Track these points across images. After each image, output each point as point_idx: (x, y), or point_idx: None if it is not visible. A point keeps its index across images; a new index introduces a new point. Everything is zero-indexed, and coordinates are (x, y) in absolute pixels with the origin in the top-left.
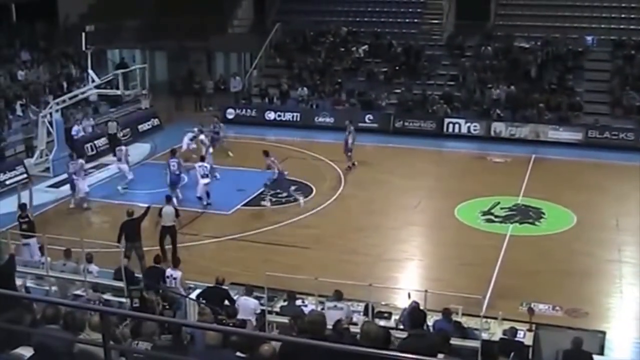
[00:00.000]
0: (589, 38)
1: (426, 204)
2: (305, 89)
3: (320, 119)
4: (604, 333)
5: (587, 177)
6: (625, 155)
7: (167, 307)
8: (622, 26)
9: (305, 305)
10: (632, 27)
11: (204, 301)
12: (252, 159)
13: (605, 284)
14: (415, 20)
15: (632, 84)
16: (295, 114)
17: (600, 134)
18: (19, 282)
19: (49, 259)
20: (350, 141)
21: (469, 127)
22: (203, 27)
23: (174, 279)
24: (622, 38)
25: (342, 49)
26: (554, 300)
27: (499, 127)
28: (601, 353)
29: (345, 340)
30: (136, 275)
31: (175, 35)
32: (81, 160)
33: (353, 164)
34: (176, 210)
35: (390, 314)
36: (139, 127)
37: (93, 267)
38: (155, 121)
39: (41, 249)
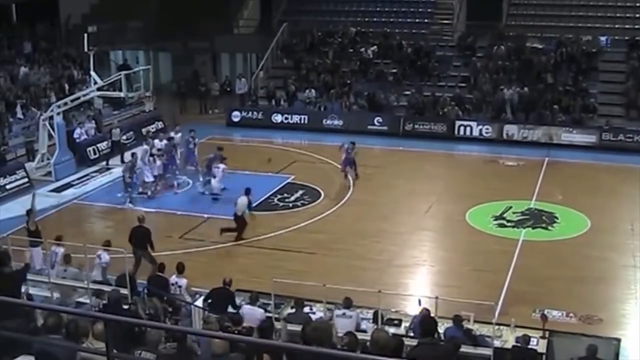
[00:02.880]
0: (603, 38)
1: (437, 209)
2: (313, 90)
3: (329, 122)
4: (618, 340)
5: (601, 181)
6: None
7: (173, 314)
8: (636, 26)
9: (314, 312)
10: None
11: (209, 301)
12: (258, 163)
13: (620, 289)
14: (426, 20)
15: None
16: (302, 117)
17: (614, 136)
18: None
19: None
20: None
21: (480, 130)
22: (208, 27)
23: (179, 286)
24: (637, 38)
25: (351, 50)
26: (567, 306)
27: (511, 130)
28: None
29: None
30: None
31: (180, 36)
32: (145, 147)
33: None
34: (249, 201)
35: (400, 321)
36: (143, 130)
37: (104, 256)
38: (159, 124)
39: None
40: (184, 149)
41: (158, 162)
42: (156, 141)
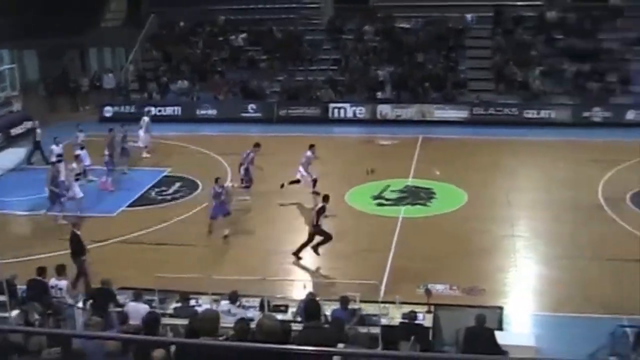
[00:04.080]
0: (469, 16)
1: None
2: (185, 81)
3: (203, 112)
4: (501, 308)
5: (475, 155)
6: (510, 130)
7: (54, 316)
8: (499, 3)
9: (200, 305)
10: (509, 3)
11: (91, 302)
12: (134, 158)
13: (500, 259)
14: (294, 5)
15: (513, 58)
16: (176, 108)
17: (485, 110)
18: None
19: None
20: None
21: (354, 111)
22: (74, 22)
23: (60, 289)
24: (501, 14)
25: (221, 39)
26: (450, 279)
27: (384, 110)
28: (500, 328)
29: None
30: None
31: (46, 33)
32: (73, 165)
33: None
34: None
35: (286, 307)
36: (12, 131)
37: None
38: (29, 124)
39: None
40: (121, 145)
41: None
42: (53, 146)
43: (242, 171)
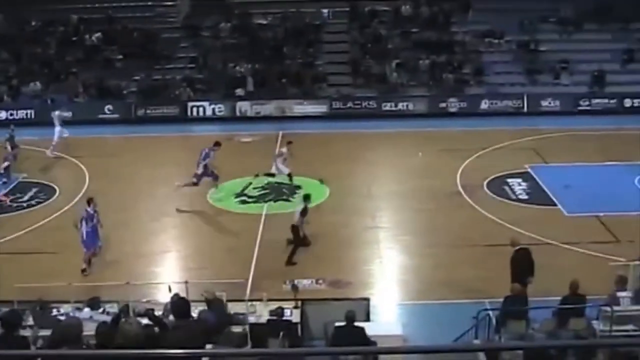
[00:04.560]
0: (325, 11)
1: (178, 192)
2: (37, 83)
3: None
4: (367, 300)
5: (335, 148)
6: (369, 123)
7: None
8: None
9: (62, 314)
10: None
11: None
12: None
13: (364, 251)
14: (149, 3)
15: (370, 52)
16: (29, 111)
17: (343, 104)
18: None
19: None
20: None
21: (213, 109)
22: None
23: None
24: (356, 8)
25: (74, 38)
26: (316, 274)
27: (243, 107)
28: (367, 319)
29: None
30: None
31: None
32: None
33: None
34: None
35: (152, 310)
36: None
37: None
38: None
39: None
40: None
41: None
42: None
43: (200, 169)
